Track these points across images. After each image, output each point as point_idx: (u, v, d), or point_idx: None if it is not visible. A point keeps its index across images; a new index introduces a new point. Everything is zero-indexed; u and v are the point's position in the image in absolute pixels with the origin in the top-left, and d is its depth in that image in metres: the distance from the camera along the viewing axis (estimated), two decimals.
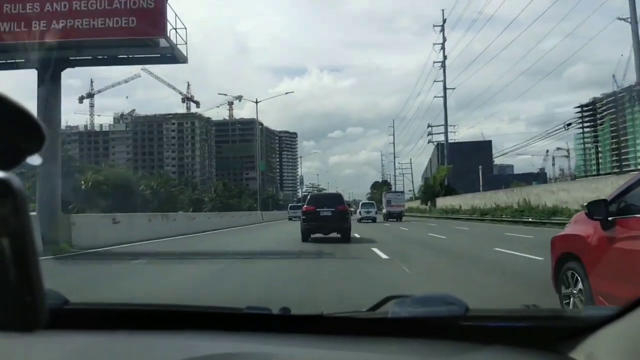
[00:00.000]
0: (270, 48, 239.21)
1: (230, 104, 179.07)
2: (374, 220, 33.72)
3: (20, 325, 0.61)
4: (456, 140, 69.66)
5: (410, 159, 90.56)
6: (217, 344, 1.21)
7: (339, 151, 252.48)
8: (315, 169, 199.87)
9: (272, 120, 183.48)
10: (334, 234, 14.91)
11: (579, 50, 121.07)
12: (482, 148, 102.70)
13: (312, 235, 14.73)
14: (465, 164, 72.99)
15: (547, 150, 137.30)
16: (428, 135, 55.95)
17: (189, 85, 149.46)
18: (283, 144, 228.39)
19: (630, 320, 0.99)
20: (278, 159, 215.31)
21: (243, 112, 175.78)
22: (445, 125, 53.28)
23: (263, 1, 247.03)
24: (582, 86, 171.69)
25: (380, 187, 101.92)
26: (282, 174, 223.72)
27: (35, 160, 0.61)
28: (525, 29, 78.14)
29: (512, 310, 1.34)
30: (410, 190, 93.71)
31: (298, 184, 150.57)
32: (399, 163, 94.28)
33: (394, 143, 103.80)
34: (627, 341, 0.99)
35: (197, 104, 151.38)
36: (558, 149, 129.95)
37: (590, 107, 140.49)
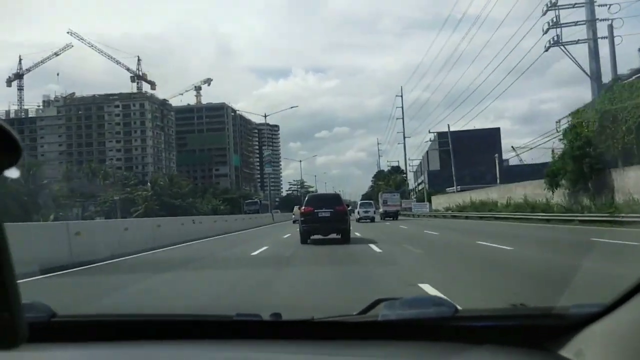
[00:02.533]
0: (253, 50, 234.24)
1: (198, 89, 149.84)
2: (372, 220, 32.96)
3: None
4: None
5: (448, 125, 63.99)
6: (207, 353, 1.19)
7: (326, 152, 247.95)
8: (303, 168, 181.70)
9: (257, 122, 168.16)
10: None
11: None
12: (490, 137, 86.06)
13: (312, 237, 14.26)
14: (472, 155, 62.86)
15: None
16: (549, 27, 24.61)
17: (139, 60, 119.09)
18: (263, 138, 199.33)
19: (616, 317, 0.99)
20: (257, 155, 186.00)
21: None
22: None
23: (244, 5, 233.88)
24: (566, 83, 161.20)
25: (389, 177, 73.56)
26: (263, 172, 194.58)
27: (12, 173, 0.58)
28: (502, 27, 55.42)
29: (501, 310, 1.33)
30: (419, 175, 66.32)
31: (265, 166, 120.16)
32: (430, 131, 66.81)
33: (402, 118, 74.95)
34: (614, 338, 0.98)
35: (152, 84, 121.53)
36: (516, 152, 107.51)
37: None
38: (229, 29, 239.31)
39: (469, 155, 74.45)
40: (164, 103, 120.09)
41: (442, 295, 4.39)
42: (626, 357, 0.91)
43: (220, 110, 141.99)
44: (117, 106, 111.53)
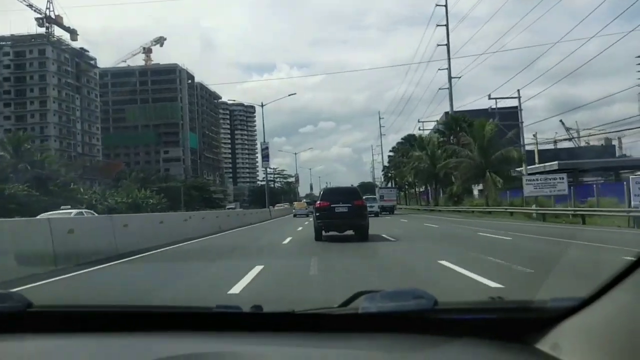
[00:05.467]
0: (237, 45, 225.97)
1: (148, 51, 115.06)
2: (376, 214, 31.81)
3: None
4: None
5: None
6: (185, 344, 1.19)
7: (311, 146, 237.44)
8: (286, 165, 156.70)
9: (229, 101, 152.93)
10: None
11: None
12: (509, 117, 52.74)
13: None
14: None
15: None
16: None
17: None
18: (236, 121, 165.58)
19: (592, 311, 1.00)
20: (226, 138, 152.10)
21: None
22: None
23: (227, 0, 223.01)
24: (553, 78, 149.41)
25: (454, 129, 40.98)
26: (236, 161, 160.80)
27: None
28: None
29: (479, 303, 1.33)
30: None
31: (259, 151, 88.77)
32: None
33: (447, 44, 43.44)
34: (589, 332, 1.00)
35: (72, 33, 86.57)
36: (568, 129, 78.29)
37: None
38: (212, 24, 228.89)
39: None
40: (80, 54, 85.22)
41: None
42: (601, 351, 0.93)
43: (171, 74, 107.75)
44: (7, 54, 76.81)
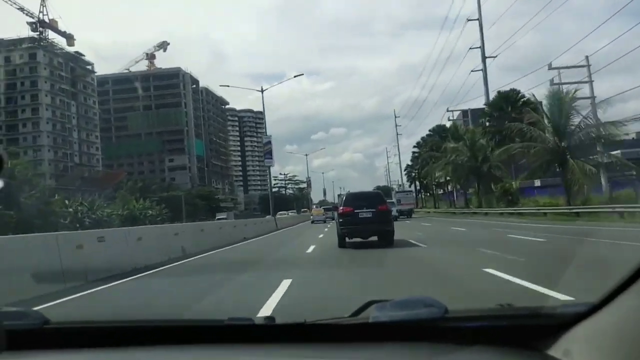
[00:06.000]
0: (246, 55, 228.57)
1: (151, 57, 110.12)
2: (395, 218, 27.26)
3: None
4: None
5: None
6: (198, 357, 1.22)
7: (322, 153, 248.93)
8: (298, 172, 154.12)
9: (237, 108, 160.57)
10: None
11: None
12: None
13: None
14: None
15: None
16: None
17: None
18: (245, 127, 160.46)
19: (603, 316, 1.00)
20: (234, 145, 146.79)
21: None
22: None
23: (236, 11, 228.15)
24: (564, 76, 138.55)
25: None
26: (246, 169, 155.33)
27: None
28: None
29: (490, 310, 1.32)
30: None
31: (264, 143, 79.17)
32: None
33: (482, 38, 36.89)
34: (600, 337, 0.99)
35: (69, 38, 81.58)
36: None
37: None
38: (221, 36, 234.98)
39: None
40: (75, 58, 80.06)
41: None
42: (612, 356, 0.92)
43: (174, 79, 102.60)
44: None
